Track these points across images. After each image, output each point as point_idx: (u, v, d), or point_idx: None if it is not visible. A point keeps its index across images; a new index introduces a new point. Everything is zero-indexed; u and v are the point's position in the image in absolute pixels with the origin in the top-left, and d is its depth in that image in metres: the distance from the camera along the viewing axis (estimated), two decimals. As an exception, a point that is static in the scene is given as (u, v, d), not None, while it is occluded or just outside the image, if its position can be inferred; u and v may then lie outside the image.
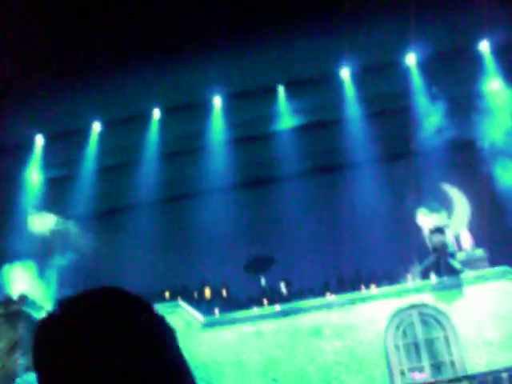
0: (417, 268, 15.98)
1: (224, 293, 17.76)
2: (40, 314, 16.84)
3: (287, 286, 17.15)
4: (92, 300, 1.38)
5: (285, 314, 15.63)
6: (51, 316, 1.38)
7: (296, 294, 16.60)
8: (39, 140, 19.77)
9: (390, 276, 16.12)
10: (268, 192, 20.29)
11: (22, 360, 16.04)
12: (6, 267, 17.45)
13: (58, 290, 18.25)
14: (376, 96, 18.68)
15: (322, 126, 19.33)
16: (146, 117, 19.46)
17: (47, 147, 19.74)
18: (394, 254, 16.45)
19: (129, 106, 18.81)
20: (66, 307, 1.38)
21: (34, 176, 19.92)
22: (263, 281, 17.35)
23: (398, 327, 14.65)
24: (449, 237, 16.11)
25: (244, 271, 18.27)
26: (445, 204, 17.25)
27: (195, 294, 17.69)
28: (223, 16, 16.09)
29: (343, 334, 14.98)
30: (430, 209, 16.29)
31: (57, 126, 19.26)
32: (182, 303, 16.07)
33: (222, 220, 18.91)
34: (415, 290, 15.24)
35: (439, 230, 15.71)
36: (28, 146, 19.66)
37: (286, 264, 18.55)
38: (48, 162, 19.77)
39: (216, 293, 17.75)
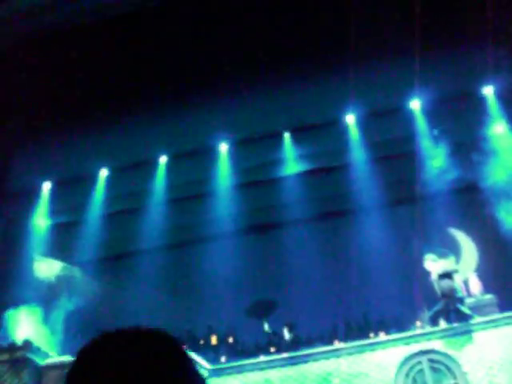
0: (426, 314, 15.79)
1: (230, 340, 17.56)
2: (44, 361, 16.68)
3: (290, 330, 16.94)
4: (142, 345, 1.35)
5: (293, 361, 15.42)
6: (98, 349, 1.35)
7: (303, 340, 16.40)
8: (46, 186, 19.86)
9: (398, 322, 15.94)
10: (274, 237, 20.25)
11: (25, 408, 15.81)
12: (11, 312, 17.34)
13: (64, 337, 18.09)
14: (381, 141, 18.77)
15: (328, 172, 19.38)
16: (153, 163, 19.56)
17: (54, 193, 19.82)
18: (403, 300, 16.30)
19: (135, 152, 18.92)
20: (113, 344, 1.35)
21: (40, 222, 19.94)
22: (266, 326, 17.16)
23: (407, 375, 14.41)
24: (457, 282, 15.96)
25: (246, 316, 18.10)
26: (452, 248, 17.14)
27: (201, 341, 17.50)
28: (228, 62, 16.27)
29: (352, 382, 14.74)
30: (438, 254, 16.17)
31: (64, 173, 19.37)
32: (188, 351, 15.86)
33: (229, 266, 18.83)
34: (424, 337, 15.03)
35: (447, 276, 15.56)
36: (35, 193, 19.74)
37: (293, 310, 18.38)
38: (55, 208, 19.83)
39: (222, 340, 17.55)
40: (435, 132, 18.43)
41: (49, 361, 16.81)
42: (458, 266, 16.97)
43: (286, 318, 17.64)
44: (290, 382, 15.12)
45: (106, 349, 1.37)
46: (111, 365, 1.33)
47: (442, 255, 15.99)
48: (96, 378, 1.33)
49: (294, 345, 16.31)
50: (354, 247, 18.10)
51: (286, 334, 16.91)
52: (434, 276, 15.69)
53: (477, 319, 15.04)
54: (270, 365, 15.46)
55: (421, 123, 18.76)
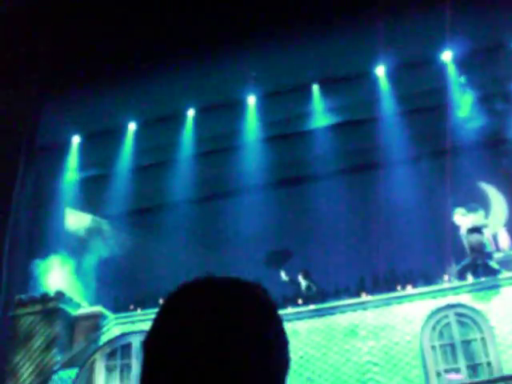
0: (454, 268, 15.77)
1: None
2: (76, 311, 17.04)
3: (305, 277, 17.08)
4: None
5: (320, 313, 15.56)
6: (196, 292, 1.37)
7: (330, 292, 16.50)
8: (75, 140, 20.01)
9: (426, 276, 15.92)
10: (302, 191, 20.25)
11: (58, 357, 16.23)
12: (43, 263, 17.67)
13: (95, 287, 18.43)
14: (412, 93, 18.51)
15: (357, 125, 19.21)
16: (181, 116, 19.55)
17: (83, 147, 19.97)
18: (431, 254, 16.28)
19: (164, 105, 18.92)
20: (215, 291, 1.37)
21: (70, 175, 20.14)
22: (283, 274, 17.32)
23: (434, 328, 14.47)
24: (487, 236, 15.86)
25: (265, 266, 18.28)
26: (482, 203, 16.99)
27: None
28: (257, 14, 16.08)
29: (379, 334, 14.85)
30: (467, 208, 16.05)
31: (92, 126, 19.46)
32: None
33: (257, 219, 18.90)
34: (452, 291, 15.04)
35: (477, 230, 15.46)
36: (64, 147, 19.91)
37: (322, 263, 18.48)
38: (84, 161, 20.00)
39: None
40: (462, 80, 18.10)
41: (81, 311, 17.16)
42: (488, 220, 16.85)
43: (315, 272, 17.74)
44: (317, 334, 15.29)
45: (198, 295, 1.39)
46: (201, 310, 1.34)
47: (471, 209, 15.88)
48: (185, 322, 1.34)
49: (314, 293, 16.47)
50: (382, 201, 18.04)
51: (302, 281, 17.05)
52: (463, 230, 15.61)
53: (505, 274, 14.98)
54: (298, 316, 15.62)
55: (452, 75, 18.44)
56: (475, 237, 15.40)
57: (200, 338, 1.31)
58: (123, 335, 16.12)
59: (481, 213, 16.15)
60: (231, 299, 1.37)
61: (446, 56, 18.27)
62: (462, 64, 18.05)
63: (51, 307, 16.84)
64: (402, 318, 14.94)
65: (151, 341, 1.38)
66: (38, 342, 16.55)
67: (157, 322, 1.40)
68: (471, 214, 15.83)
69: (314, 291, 16.70)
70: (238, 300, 1.38)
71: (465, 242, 15.54)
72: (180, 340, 1.32)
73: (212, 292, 1.38)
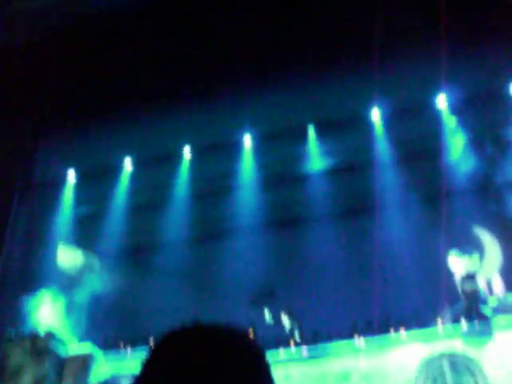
0: (447, 313, 15.68)
1: (251, 333, 17.58)
2: (66, 351, 16.83)
3: (290, 317, 16.88)
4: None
5: (312, 357, 15.40)
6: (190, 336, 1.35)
7: (323, 336, 16.36)
8: (71, 176, 20.02)
9: (419, 320, 15.83)
10: (297, 233, 20.21)
11: (46, 396, 15.98)
12: (34, 298, 17.51)
13: (85, 326, 18.23)
14: (407, 138, 18.63)
15: (352, 168, 19.29)
16: (177, 156, 19.62)
17: (79, 184, 19.97)
18: (424, 298, 16.20)
19: (160, 144, 18.99)
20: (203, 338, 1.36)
21: (65, 211, 20.10)
22: (268, 316, 17.13)
23: (427, 375, 14.32)
24: (480, 282, 15.81)
25: (251, 307, 18.14)
26: (476, 247, 16.97)
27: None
28: (252, 56, 16.25)
29: (372, 380, 14.69)
30: (462, 250, 16.03)
31: (88, 162, 19.49)
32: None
33: (249, 261, 18.84)
34: (445, 336, 14.93)
35: (471, 277, 15.43)
36: (60, 182, 19.91)
37: (314, 306, 18.35)
38: (79, 198, 19.98)
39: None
40: (453, 121, 18.25)
41: (70, 351, 16.96)
42: (482, 264, 16.81)
43: (308, 315, 17.61)
44: (310, 378, 15.10)
45: (184, 343, 1.37)
46: (188, 359, 1.33)
47: (466, 252, 15.85)
48: (173, 371, 1.32)
49: (297, 334, 16.31)
50: (376, 244, 18.01)
51: (286, 322, 16.79)
52: (457, 276, 15.56)
53: (499, 319, 14.89)
54: (290, 360, 15.45)
55: (448, 121, 18.59)
56: (469, 284, 15.36)
57: None
58: (113, 377, 15.90)
59: (475, 256, 16.12)
60: (218, 349, 1.36)
61: (441, 101, 18.45)
62: (457, 109, 18.22)
63: (41, 345, 16.63)
64: (396, 363, 14.78)
65: None
66: (26, 380, 16.29)
67: (144, 373, 1.38)
68: (465, 257, 15.80)
69: (297, 332, 16.53)
70: (226, 350, 1.37)
71: (459, 287, 15.48)
72: None
73: (199, 341, 1.37)
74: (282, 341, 16.45)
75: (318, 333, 16.62)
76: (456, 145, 18.41)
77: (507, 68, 16.82)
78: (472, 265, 15.74)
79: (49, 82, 16.57)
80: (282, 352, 15.66)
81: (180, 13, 15.68)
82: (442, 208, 17.69)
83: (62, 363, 16.75)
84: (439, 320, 15.52)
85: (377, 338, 15.44)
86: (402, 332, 15.42)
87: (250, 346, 1.41)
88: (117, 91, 16.90)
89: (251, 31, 15.61)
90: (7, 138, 17.16)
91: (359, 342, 15.45)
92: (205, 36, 15.94)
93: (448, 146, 18.60)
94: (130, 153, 19.44)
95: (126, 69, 16.38)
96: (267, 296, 18.38)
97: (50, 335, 16.76)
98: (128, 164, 19.68)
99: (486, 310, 15.14)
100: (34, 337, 16.76)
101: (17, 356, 16.67)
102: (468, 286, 15.32)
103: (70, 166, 19.60)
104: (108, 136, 18.29)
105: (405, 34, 15.64)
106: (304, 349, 15.69)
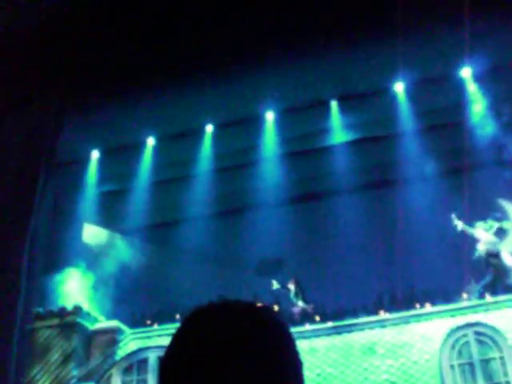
0: (473, 287, 15.62)
1: (276, 308, 17.68)
2: (93, 326, 17.06)
3: (297, 285, 17.21)
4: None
5: (337, 331, 15.46)
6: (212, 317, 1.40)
7: (348, 310, 16.41)
8: (95, 155, 20.13)
9: (445, 294, 15.79)
10: (320, 207, 20.19)
11: (75, 371, 16.25)
12: (61, 276, 17.75)
13: (111, 302, 18.46)
14: (430, 110, 18.44)
15: (376, 141, 19.16)
16: (200, 132, 19.60)
17: (102, 162, 20.07)
18: (450, 272, 16.14)
19: (182, 121, 18.98)
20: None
21: (89, 190, 20.24)
22: (275, 283, 17.36)
23: (453, 347, 14.32)
24: (505, 256, 15.72)
25: (255, 275, 18.36)
26: (502, 220, 16.82)
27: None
28: (276, 30, 16.13)
29: (397, 352, 14.72)
30: (487, 224, 15.93)
31: (112, 142, 19.57)
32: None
33: (274, 235, 18.87)
34: (471, 309, 14.90)
35: (496, 251, 15.38)
36: (84, 162, 20.03)
37: (339, 280, 18.38)
38: (103, 176, 20.09)
39: (268, 308, 17.64)
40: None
41: (98, 326, 17.19)
42: (507, 237, 16.69)
43: (336, 289, 17.70)
44: (335, 351, 15.19)
45: (212, 318, 1.41)
46: (215, 334, 1.37)
47: (491, 224, 15.77)
48: (201, 344, 1.37)
49: (301, 300, 16.71)
50: (400, 217, 17.94)
51: (292, 288, 17.12)
52: (481, 249, 15.49)
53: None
54: (316, 333, 15.54)
55: (472, 92, 18.36)
56: (494, 259, 15.30)
57: (215, 364, 1.33)
58: (140, 350, 16.11)
59: (500, 229, 15.99)
60: (245, 324, 1.39)
61: (465, 72, 18.21)
62: (482, 80, 17.97)
63: (69, 321, 16.89)
64: (421, 336, 14.81)
65: (166, 366, 1.41)
66: (55, 355, 16.58)
67: (171, 348, 1.43)
68: (491, 230, 15.71)
69: (301, 299, 16.92)
70: (252, 325, 1.40)
71: (484, 261, 15.42)
72: (194, 366, 1.35)
73: (226, 317, 1.41)
74: (308, 316, 16.54)
75: (343, 307, 16.67)
76: (481, 117, 18.19)
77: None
78: (497, 238, 15.66)
79: (72, 63, 16.61)
80: (307, 326, 15.75)
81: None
82: (466, 179, 17.54)
83: (89, 337, 17.00)
84: (465, 294, 15.49)
85: (402, 312, 15.45)
86: (428, 306, 15.41)
87: (274, 320, 1.44)
88: (139, 71, 16.90)
89: (273, 5, 15.48)
90: (32, 119, 17.28)
91: (384, 316, 15.47)
92: (225, 11, 15.85)
93: (472, 117, 18.38)
94: (152, 130, 19.46)
95: (148, 48, 16.34)
96: (275, 265, 18.53)
97: (78, 311, 17.00)
98: (151, 142, 19.74)
99: (512, 283, 15.08)
100: (62, 312, 17.02)
101: (45, 332, 16.95)
102: (493, 260, 15.25)
103: (94, 145, 19.69)
104: (131, 114, 18.34)
105: (428, 5, 15.41)
106: (330, 323, 15.76)
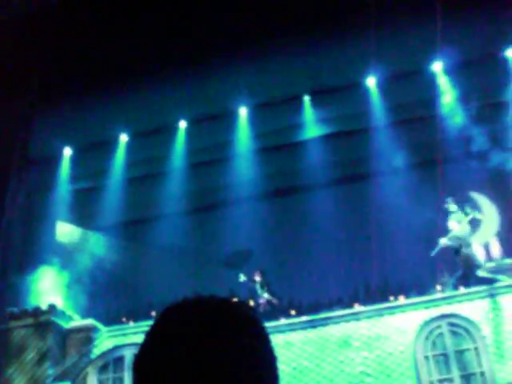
0: (446, 278, 15.80)
1: (251, 303, 17.72)
2: (68, 324, 16.95)
3: (262, 276, 17.38)
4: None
5: (313, 324, 15.54)
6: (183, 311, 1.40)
7: (324, 304, 16.51)
8: (67, 152, 19.97)
9: (418, 286, 15.95)
10: (293, 201, 20.26)
11: (50, 370, 16.14)
12: (35, 275, 17.60)
13: (85, 300, 18.34)
14: (402, 104, 18.58)
15: (348, 135, 19.27)
16: (173, 128, 19.55)
17: (75, 159, 19.93)
18: (423, 264, 16.30)
19: (155, 117, 18.92)
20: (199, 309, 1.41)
21: (62, 187, 20.08)
22: (242, 276, 17.49)
23: (427, 338, 14.47)
24: (476, 248, 15.92)
25: (224, 267, 18.48)
26: (473, 212, 17.01)
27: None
28: (247, 25, 16.13)
29: (372, 345, 14.84)
30: (459, 216, 16.11)
31: (84, 138, 19.44)
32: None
33: (249, 230, 18.89)
34: (444, 301, 15.05)
35: (467, 243, 15.56)
36: (56, 159, 19.86)
37: (313, 274, 18.47)
38: (75, 173, 19.95)
39: (243, 303, 17.69)
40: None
41: (73, 324, 17.08)
42: (479, 229, 16.91)
43: (310, 283, 17.79)
44: (311, 345, 15.26)
45: (186, 314, 1.42)
46: (190, 329, 1.38)
47: (463, 216, 15.94)
48: (174, 344, 1.37)
49: (266, 293, 16.99)
50: (374, 211, 18.07)
51: (258, 280, 17.24)
52: (453, 242, 15.66)
53: (497, 284, 15.02)
54: (291, 327, 15.60)
55: (442, 86, 18.53)
56: (465, 249, 15.47)
57: (189, 360, 1.34)
58: (116, 348, 16.04)
59: (472, 220, 16.18)
60: (219, 320, 1.40)
61: (437, 66, 18.38)
62: (452, 74, 18.15)
63: (43, 320, 16.76)
64: (396, 328, 14.93)
65: (140, 363, 1.41)
66: (30, 355, 16.45)
67: (145, 345, 1.43)
68: (463, 222, 15.88)
69: (266, 291, 17.13)
70: (226, 320, 1.41)
71: (455, 253, 15.59)
72: (168, 363, 1.35)
73: (200, 313, 1.41)
74: (283, 310, 16.61)
75: (318, 301, 16.76)
76: (452, 110, 18.38)
77: (502, 33, 16.72)
78: (468, 229, 15.84)
79: (43, 59, 16.46)
80: (282, 321, 15.81)
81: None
82: (438, 172, 17.72)
83: (64, 336, 16.89)
84: (439, 286, 15.65)
85: (376, 305, 15.57)
86: (402, 299, 15.55)
87: (249, 315, 1.45)
88: (110, 66, 16.79)
89: (244, 1, 15.49)
90: (3, 116, 17.09)
91: (359, 308, 15.58)
92: (198, 6, 15.82)
93: (443, 111, 18.56)
94: (125, 127, 19.37)
95: (119, 43, 16.24)
96: (243, 257, 18.65)
97: (52, 310, 16.88)
98: (124, 138, 19.63)
99: (484, 274, 15.26)
100: (37, 311, 16.88)
101: (20, 332, 16.80)
102: (464, 252, 15.43)
103: (66, 142, 19.53)
104: (103, 111, 18.22)
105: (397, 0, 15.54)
106: (305, 317, 15.83)
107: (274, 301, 17.06)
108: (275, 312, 16.54)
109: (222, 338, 1.36)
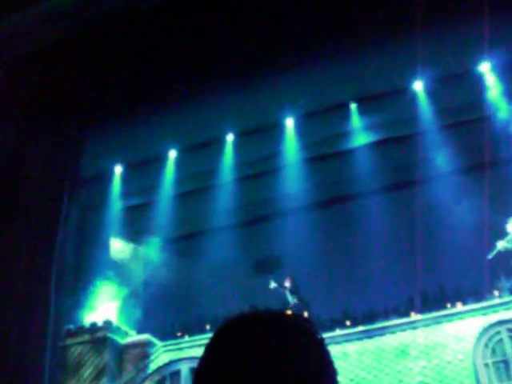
0: (503, 284, 15.43)
1: (305, 314, 17.60)
2: (124, 340, 17.12)
3: (292, 281, 17.32)
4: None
5: (369, 334, 15.35)
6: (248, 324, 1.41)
7: (379, 313, 16.29)
8: (118, 169, 20.25)
9: (475, 292, 15.61)
10: (345, 210, 20.08)
11: (108, 387, 16.30)
12: (90, 292, 17.84)
13: (141, 315, 18.51)
14: (451, 107, 18.29)
15: (397, 141, 19.03)
16: (220, 141, 19.64)
17: (125, 176, 20.19)
18: (480, 269, 15.95)
19: (203, 131, 19.03)
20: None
21: (114, 204, 20.36)
22: (272, 282, 17.41)
23: (486, 345, 14.15)
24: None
25: (254, 274, 18.46)
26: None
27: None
28: (293, 36, 16.12)
29: (430, 354, 14.57)
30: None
31: (134, 156, 19.68)
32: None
33: (300, 241, 18.81)
34: (503, 306, 14.71)
35: None
36: (107, 177, 20.16)
37: (367, 283, 18.25)
38: (127, 190, 20.20)
39: (297, 315, 17.61)
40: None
41: (129, 340, 17.24)
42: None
43: (364, 292, 17.58)
44: (368, 355, 15.07)
45: (245, 329, 1.42)
46: (249, 344, 1.38)
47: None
48: (233, 359, 1.37)
49: (298, 300, 17.01)
50: (426, 217, 17.78)
51: (288, 286, 17.24)
52: (501, 245, 15.33)
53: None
54: (347, 338, 15.44)
55: (491, 86, 18.17)
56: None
57: (249, 374, 1.33)
58: (172, 362, 16.12)
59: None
60: (277, 334, 1.39)
61: (484, 67, 18.04)
62: (501, 74, 17.80)
63: (100, 337, 16.96)
64: (453, 336, 14.64)
65: (202, 377, 1.42)
66: (87, 371, 16.65)
67: (206, 360, 1.44)
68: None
69: (296, 297, 17.13)
70: (284, 334, 1.40)
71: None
72: (229, 377, 1.35)
73: (258, 328, 1.41)
74: (338, 320, 16.45)
75: (373, 310, 16.55)
76: (503, 111, 18.01)
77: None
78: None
79: (91, 80, 16.74)
80: (338, 332, 15.66)
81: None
82: (491, 175, 17.34)
83: (121, 352, 17.05)
84: (496, 291, 15.30)
85: (433, 312, 15.31)
86: (459, 305, 15.25)
87: (306, 328, 1.43)
88: (157, 82, 16.97)
89: (285, 10, 15.47)
90: (54, 138, 17.43)
91: (416, 317, 15.33)
92: (241, 19, 15.87)
93: (493, 112, 18.19)
94: (174, 143, 19.54)
95: (165, 59, 16.41)
96: (272, 263, 18.57)
97: (108, 326, 17.07)
98: (173, 154, 19.82)
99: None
100: (93, 328, 17.10)
101: (77, 349, 17.03)
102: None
103: (117, 160, 19.81)
104: (152, 128, 18.42)
105: (443, 3, 15.31)
106: (361, 327, 15.66)
107: (302, 306, 17.04)
108: (329, 323, 16.40)
109: (281, 352, 1.36)
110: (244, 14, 15.63)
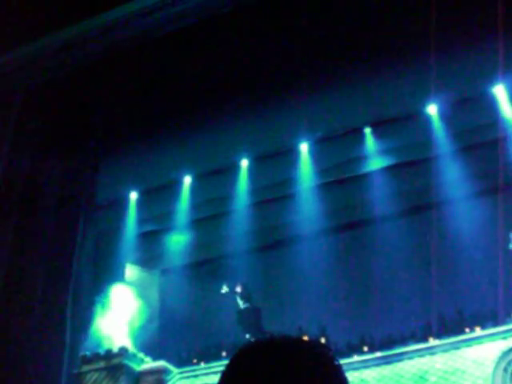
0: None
1: (322, 340, 17.44)
2: (140, 367, 17.04)
3: (244, 289, 17.53)
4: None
5: (387, 361, 15.19)
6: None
7: (397, 339, 16.12)
8: (133, 195, 20.33)
9: (494, 316, 15.43)
10: (362, 234, 20.00)
11: (124, 414, 16.20)
12: (105, 318, 17.82)
13: (157, 342, 18.44)
14: (466, 130, 18.24)
15: (413, 165, 18.97)
16: (235, 167, 19.68)
17: (141, 202, 20.26)
18: (497, 293, 15.78)
19: (217, 157, 19.10)
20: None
21: (129, 230, 20.42)
22: (224, 288, 17.87)
23: (505, 369, 13.95)
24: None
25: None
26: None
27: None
28: (307, 61, 16.18)
29: (449, 379, 14.38)
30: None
31: (149, 182, 19.77)
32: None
33: (316, 266, 18.72)
34: (523, 331, 14.52)
35: None
36: (123, 203, 20.24)
37: (384, 308, 18.09)
38: (142, 216, 20.26)
39: (314, 341, 17.47)
40: None
41: (145, 366, 17.17)
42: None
43: (378, 318, 17.42)
44: (386, 382, 14.89)
45: (261, 356, 1.40)
46: (265, 372, 1.37)
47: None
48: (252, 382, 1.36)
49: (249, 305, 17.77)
50: (443, 241, 17.66)
51: (238, 291, 18.02)
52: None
53: None
54: (365, 364, 15.28)
55: (507, 109, 18.11)
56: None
57: None
58: (188, 390, 16.02)
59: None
60: (294, 361, 1.37)
61: (499, 89, 18.00)
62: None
63: (115, 363, 16.91)
64: (472, 361, 14.46)
65: None
66: (103, 399, 16.56)
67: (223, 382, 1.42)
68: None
69: (247, 302, 17.87)
70: (301, 362, 1.38)
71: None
72: None
73: (274, 355, 1.39)
74: (355, 346, 16.30)
75: (391, 336, 16.39)
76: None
77: None
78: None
79: (104, 106, 16.89)
80: (355, 358, 15.51)
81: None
82: (510, 198, 17.21)
83: (137, 378, 16.97)
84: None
85: (452, 337, 15.14)
86: (478, 330, 15.07)
87: (324, 355, 1.41)
88: (170, 109, 17.07)
89: (299, 34, 15.55)
90: (70, 164, 17.55)
91: (434, 342, 15.17)
92: (252, 48, 15.96)
93: (507, 133, 18.10)
94: (189, 169, 19.62)
95: (178, 85, 16.52)
96: (253, 314, 18.57)
97: (124, 352, 17.01)
98: (188, 180, 19.88)
99: None
100: (109, 354, 17.04)
101: (93, 376, 16.96)
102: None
103: (132, 186, 19.91)
104: (166, 154, 18.50)
105: (457, 26, 15.33)
106: (378, 353, 15.50)
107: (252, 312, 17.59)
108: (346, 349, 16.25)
109: (298, 380, 1.34)
110: (258, 39, 15.72)
